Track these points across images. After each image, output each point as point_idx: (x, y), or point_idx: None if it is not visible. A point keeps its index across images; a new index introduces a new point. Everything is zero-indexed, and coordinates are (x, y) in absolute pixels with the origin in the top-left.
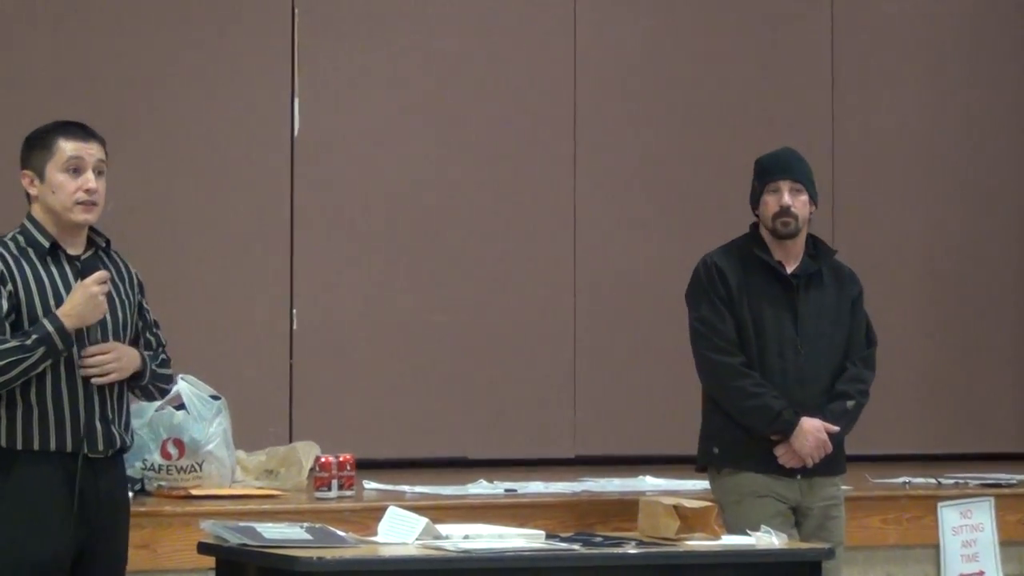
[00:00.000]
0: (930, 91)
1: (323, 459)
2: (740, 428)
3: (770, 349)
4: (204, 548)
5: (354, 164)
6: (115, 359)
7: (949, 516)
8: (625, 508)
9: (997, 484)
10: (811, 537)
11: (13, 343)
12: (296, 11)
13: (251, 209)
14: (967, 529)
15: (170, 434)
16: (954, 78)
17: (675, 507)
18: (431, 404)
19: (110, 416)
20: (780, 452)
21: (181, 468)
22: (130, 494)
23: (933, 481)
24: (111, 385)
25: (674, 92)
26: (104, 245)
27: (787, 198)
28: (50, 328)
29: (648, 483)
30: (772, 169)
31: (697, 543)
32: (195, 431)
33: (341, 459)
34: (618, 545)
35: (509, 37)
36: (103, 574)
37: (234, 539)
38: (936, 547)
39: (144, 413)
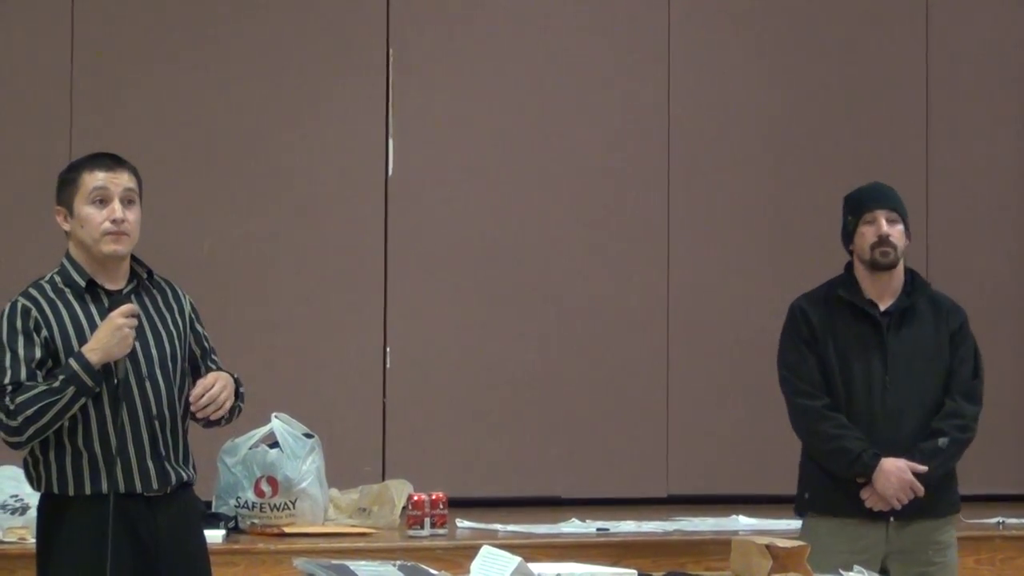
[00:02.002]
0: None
1: (416, 497)
2: (826, 473)
3: (857, 390)
4: None
5: (447, 204)
6: (222, 388)
7: None
8: (717, 548)
9: None
10: None
11: (42, 387)
12: (391, 53)
13: (346, 248)
14: None
15: (264, 472)
16: None
17: (768, 547)
18: (524, 443)
19: (163, 452)
20: (866, 495)
21: (274, 506)
22: (221, 531)
23: None
24: (161, 419)
25: (768, 130)
26: (146, 276)
27: (885, 227)
28: (76, 367)
29: (741, 523)
30: (867, 200)
31: None
32: (289, 469)
33: (434, 497)
34: None
35: (602, 76)
36: None
37: None
38: None
39: (238, 451)
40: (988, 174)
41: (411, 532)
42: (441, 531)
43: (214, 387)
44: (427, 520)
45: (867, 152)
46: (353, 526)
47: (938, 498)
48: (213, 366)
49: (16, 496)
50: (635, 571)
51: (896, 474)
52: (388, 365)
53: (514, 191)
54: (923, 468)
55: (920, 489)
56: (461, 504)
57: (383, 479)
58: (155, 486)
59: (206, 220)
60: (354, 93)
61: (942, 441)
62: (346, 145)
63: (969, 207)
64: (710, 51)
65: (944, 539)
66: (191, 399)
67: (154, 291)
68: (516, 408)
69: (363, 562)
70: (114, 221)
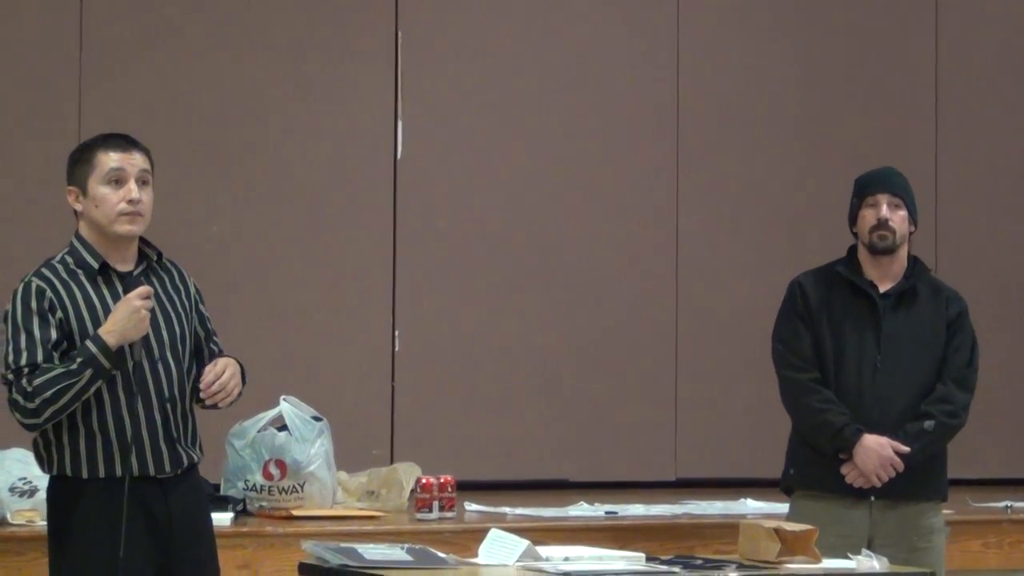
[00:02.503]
0: None
1: (424, 481)
2: (811, 448)
3: (848, 368)
4: (305, 569)
5: (456, 187)
6: (231, 375)
7: None
8: (725, 531)
9: None
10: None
11: (60, 369)
12: (400, 35)
13: (354, 232)
14: None
15: (272, 455)
16: None
17: (776, 530)
18: (532, 426)
19: (175, 435)
20: (846, 471)
21: (283, 489)
22: (229, 514)
23: None
24: (173, 402)
25: (777, 114)
26: (155, 258)
27: (885, 211)
28: (94, 349)
29: (749, 506)
30: (871, 183)
31: (797, 566)
32: (297, 452)
33: (442, 481)
34: (718, 568)
35: (612, 59)
36: None
37: (335, 560)
38: None
39: (246, 434)
40: (997, 161)
41: (419, 515)
42: (449, 514)
43: (224, 374)
44: (436, 503)
45: (876, 136)
46: (362, 509)
47: (923, 482)
48: (215, 348)
49: (24, 479)
50: (643, 554)
51: (877, 450)
52: (396, 348)
53: (523, 174)
54: (905, 448)
55: (900, 466)
56: (469, 487)
57: (391, 462)
58: (168, 469)
59: (214, 203)
60: (363, 76)
61: (928, 424)
62: (355, 127)
63: (978, 193)
64: (720, 33)
65: (929, 524)
66: (202, 386)
67: (162, 273)
68: (525, 391)
69: (372, 545)
70: (130, 202)
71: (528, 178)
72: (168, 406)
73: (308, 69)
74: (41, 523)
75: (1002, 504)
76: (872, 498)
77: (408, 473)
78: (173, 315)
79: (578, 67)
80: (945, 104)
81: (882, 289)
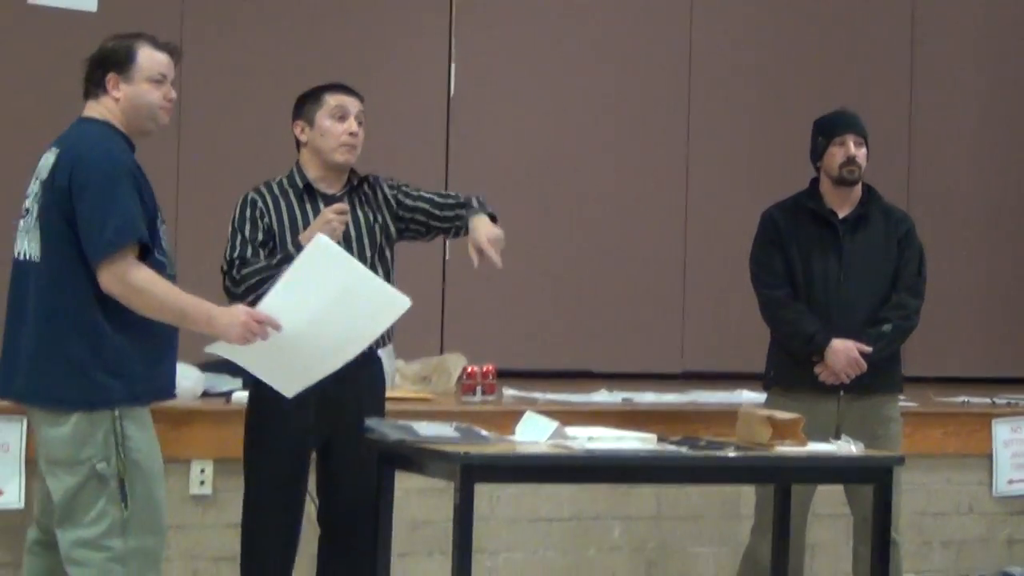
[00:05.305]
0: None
1: (470, 369)
2: (788, 354)
3: (816, 283)
4: (370, 444)
5: (502, 122)
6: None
7: (1001, 431)
8: (725, 418)
9: None
10: None
11: (263, 263)
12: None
13: (410, 162)
14: (1016, 442)
15: None
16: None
17: (768, 417)
18: (562, 324)
19: None
20: (819, 370)
21: None
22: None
23: (988, 400)
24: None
25: (770, 61)
26: (356, 183)
27: (853, 149)
28: (291, 250)
29: (744, 396)
30: (839, 124)
31: (786, 449)
32: None
33: (485, 369)
34: (719, 448)
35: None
36: (340, 465)
37: (395, 435)
38: (989, 457)
39: None
40: (967, 104)
41: (465, 398)
42: (491, 398)
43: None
44: (479, 388)
45: (853, 80)
46: (416, 392)
47: (883, 378)
48: (416, 193)
49: None
50: (655, 435)
51: (844, 352)
52: (447, 257)
53: (558, 114)
54: (868, 348)
55: (863, 366)
56: (508, 375)
57: (441, 352)
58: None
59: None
60: (419, 25)
61: (886, 327)
62: (411, 70)
63: (950, 130)
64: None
65: (888, 413)
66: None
67: (365, 193)
68: (557, 295)
69: (425, 423)
70: (351, 134)
71: (562, 118)
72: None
73: (367, 19)
74: None
75: (960, 399)
76: (841, 393)
77: (455, 362)
78: (366, 231)
79: (604, 22)
80: (920, 39)
81: (841, 215)
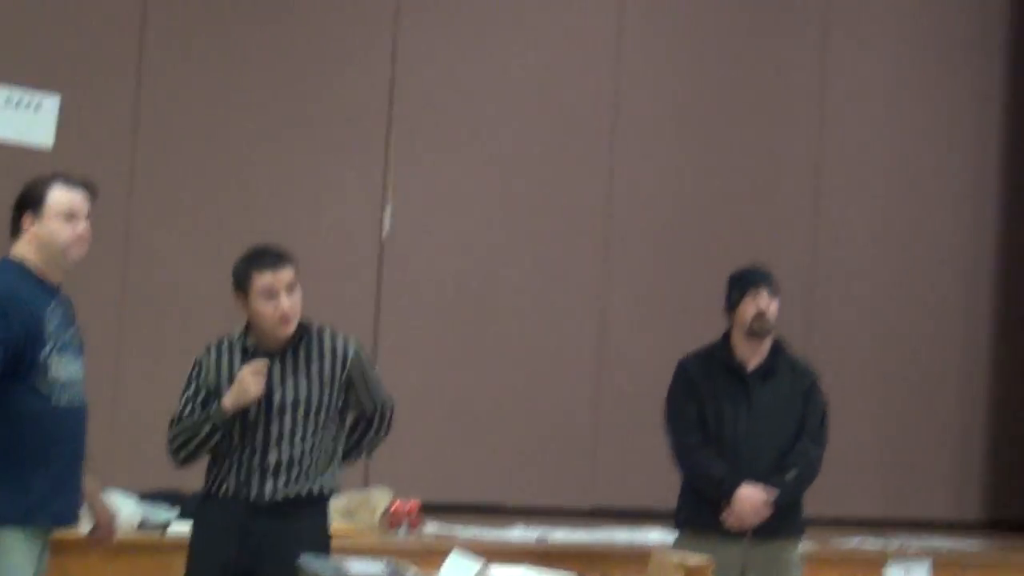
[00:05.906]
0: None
1: (395, 505)
2: (699, 497)
3: (726, 432)
4: None
5: (434, 266)
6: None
7: (894, 573)
8: (639, 557)
9: (934, 549)
10: None
11: (187, 423)
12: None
13: (340, 289)
14: None
15: None
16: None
17: (680, 563)
18: (481, 459)
19: (276, 467)
20: (725, 515)
21: None
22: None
23: (882, 542)
24: (292, 439)
25: (691, 203)
26: (299, 338)
27: (765, 303)
28: (210, 410)
29: (652, 537)
30: (754, 279)
31: None
32: None
33: (409, 506)
34: None
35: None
36: None
37: (327, 572)
38: None
39: None
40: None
41: (390, 533)
42: (415, 534)
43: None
44: (404, 524)
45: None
46: (340, 526)
47: (786, 522)
48: (368, 403)
49: None
50: (575, 574)
51: (750, 500)
52: None
53: (478, 262)
54: (773, 493)
55: (767, 513)
56: (431, 508)
57: (366, 485)
58: (266, 497)
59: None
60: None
61: (791, 474)
62: (344, 215)
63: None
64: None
65: (789, 557)
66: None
67: (311, 348)
68: (475, 431)
69: (356, 560)
70: (283, 312)
71: (482, 264)
72: (284, 440)
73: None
74: None
75: (855, 541)
76: (747, 537)
77: (381, 497)
78: (311, 384)
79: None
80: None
81: (751, 367)
